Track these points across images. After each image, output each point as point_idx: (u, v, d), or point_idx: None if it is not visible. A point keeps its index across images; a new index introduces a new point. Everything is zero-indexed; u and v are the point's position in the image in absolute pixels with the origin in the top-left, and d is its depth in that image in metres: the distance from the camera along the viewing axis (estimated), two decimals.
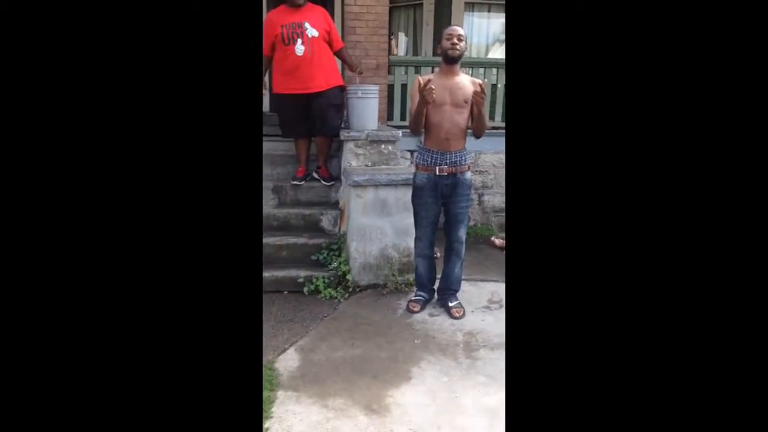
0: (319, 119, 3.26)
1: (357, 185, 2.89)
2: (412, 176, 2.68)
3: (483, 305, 2.79)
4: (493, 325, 2.56)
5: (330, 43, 3.24)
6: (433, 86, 2.26)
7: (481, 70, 4.09)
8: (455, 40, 2.39)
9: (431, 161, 2.48)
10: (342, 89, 3.36)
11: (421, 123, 2.46)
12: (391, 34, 4.95)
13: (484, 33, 5.46)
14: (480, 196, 4.25)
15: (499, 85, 4.10)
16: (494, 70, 4.10)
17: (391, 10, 4.45)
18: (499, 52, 5.57)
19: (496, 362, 2.20)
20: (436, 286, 2.81)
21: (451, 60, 2.44)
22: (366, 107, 3.27)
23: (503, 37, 5.56)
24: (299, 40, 3.09)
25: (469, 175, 2.56)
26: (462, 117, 2.46)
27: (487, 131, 4.17)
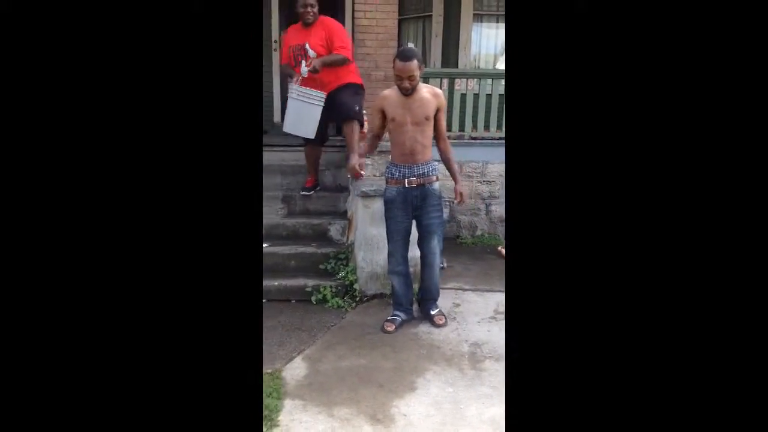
0: (335, 107, 3.17)
1: (365, 195, 2.93)
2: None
3: (489, 316, 2.80)
4: (499, 335, 2.56)
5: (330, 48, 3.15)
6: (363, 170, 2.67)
7: (489, 81, 4.12)
8: (406, 84, 2.37)
9: (400, 175, 2.54)
10: (360, 87, 3.29)
11: (374, 146, 2.75)
12: (400, 45, 5.01)
13: (492, 44, 5.47)
14: (488, 206, 4.27)
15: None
16: (502, 81, 4.12)
17: (400, 22, 4.51)
18: None
19: (502, 373, 2.21)
20: (414, 306, 2.79)
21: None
22: (302, 110, 3.09)
23: None
24: (303, 62, 3.12)
25: (437, 185, 2.59)
26: (424, 134, 2.50)
27: (494, 141, 4.21)
